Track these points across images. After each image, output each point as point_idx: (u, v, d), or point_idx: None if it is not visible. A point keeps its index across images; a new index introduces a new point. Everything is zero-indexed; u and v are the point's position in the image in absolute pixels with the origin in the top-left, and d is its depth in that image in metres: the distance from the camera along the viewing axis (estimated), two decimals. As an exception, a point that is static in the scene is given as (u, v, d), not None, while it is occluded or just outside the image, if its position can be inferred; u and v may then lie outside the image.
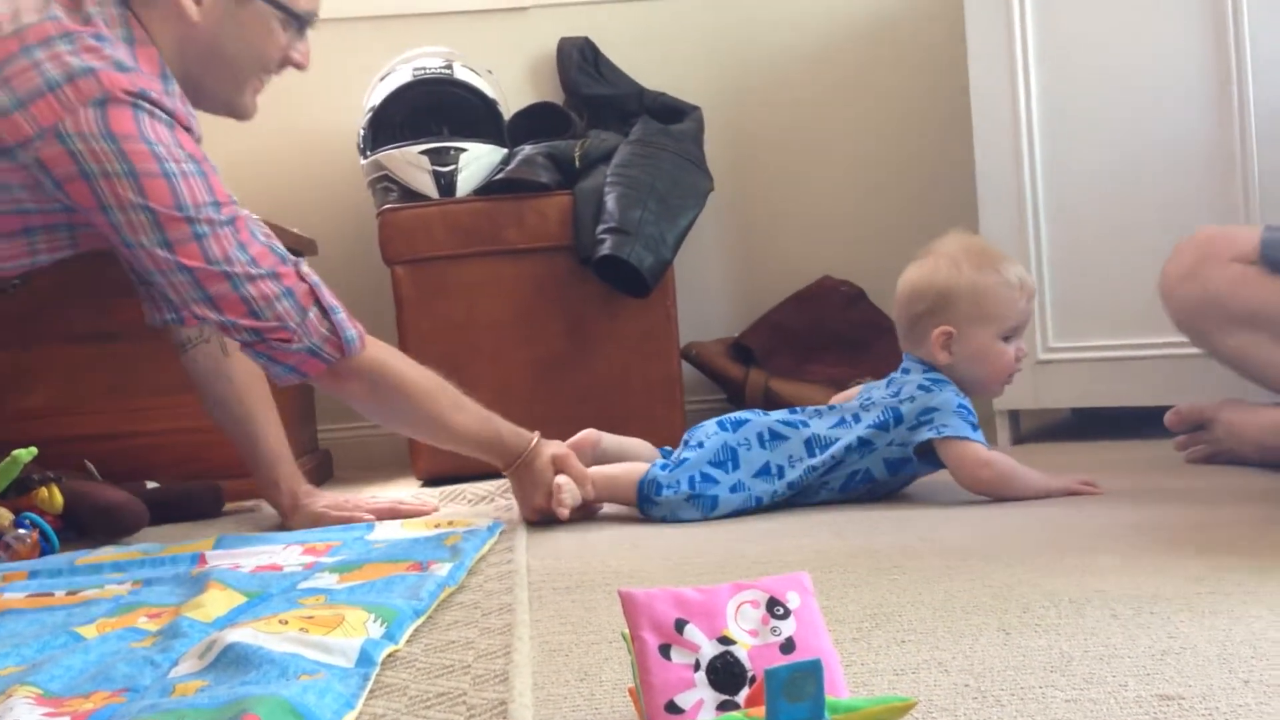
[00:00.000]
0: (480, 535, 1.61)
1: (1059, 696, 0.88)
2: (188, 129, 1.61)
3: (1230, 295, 1.80)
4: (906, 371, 1.80)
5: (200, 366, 1.91)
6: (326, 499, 1.94)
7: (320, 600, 1.25)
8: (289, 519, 1.90)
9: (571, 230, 2.35)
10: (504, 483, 2.10)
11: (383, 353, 1.69)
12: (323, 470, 2.55)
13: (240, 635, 1.05)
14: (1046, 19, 2.24)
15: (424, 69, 2.48)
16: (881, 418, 1.74)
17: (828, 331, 2.64)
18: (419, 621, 1.20)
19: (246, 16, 1.66)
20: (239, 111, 1.74)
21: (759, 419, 1.78)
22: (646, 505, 1.73)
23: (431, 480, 2.34)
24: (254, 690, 0.92)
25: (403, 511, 1.89)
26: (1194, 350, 2.13)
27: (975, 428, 1.72)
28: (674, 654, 0.77)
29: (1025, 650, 0.99)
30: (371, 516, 1.86)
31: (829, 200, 2.86)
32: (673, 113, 2.65)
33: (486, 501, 2.01)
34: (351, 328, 1.64)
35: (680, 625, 0.78)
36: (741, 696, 0.77)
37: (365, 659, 1.04)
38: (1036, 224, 2.27)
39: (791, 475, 1.74)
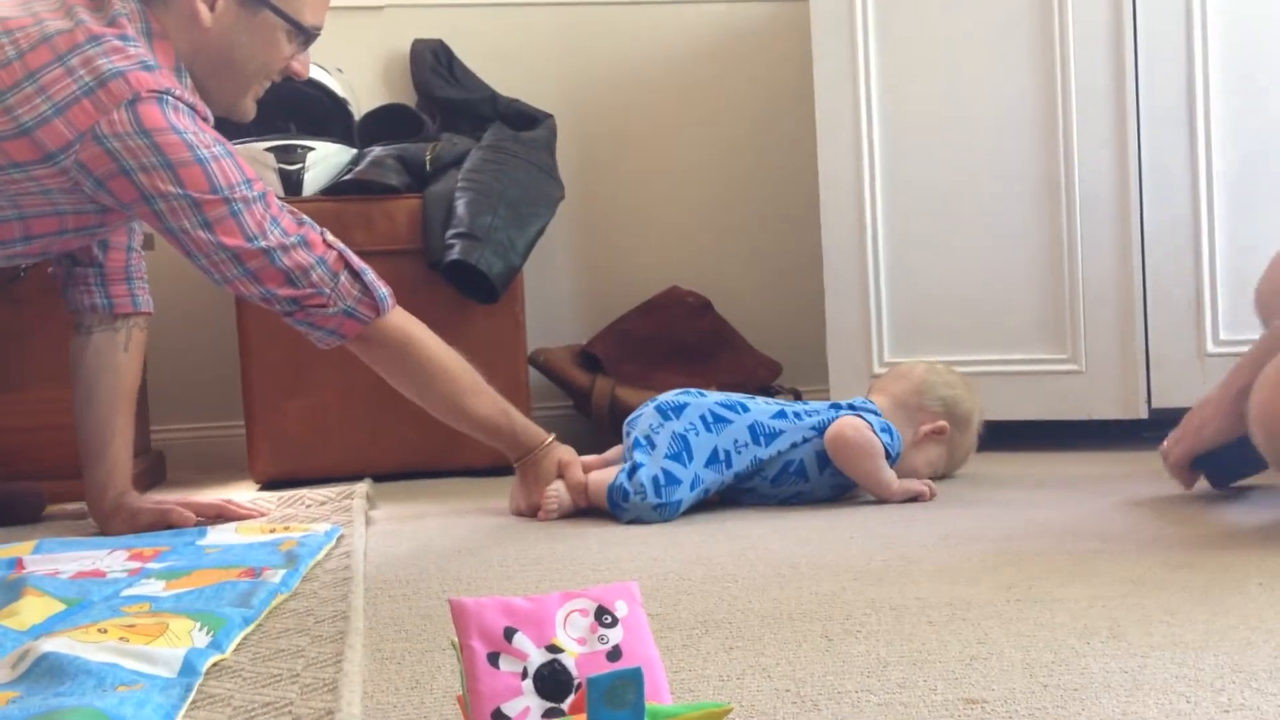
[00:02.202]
0: (318, 541, 1.58)
1: (873, 700, 0.91)
2: (205, 119, 1.70)
3: None
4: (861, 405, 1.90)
5: (90, 352, 1.88)
6: (150, 501, 1.88)
7: (144, 608, 1.22)
8: (106, 525, 1.83)
9: (420, 234, 2.33)
10: (343, 488, 2.08)
11: (415, 327, 1.77)
12: (155, 472, 2.47)
13: (56, 644, 1.02)
14: (888, 43, 2.32)
15: (272, 64, 2.42)
16: (825, 419, 1.83)
17: (674, 341, 2.68)
18: (248, 630, 1.18)
19: (256, 26, 1.74)
20: (239, 114, 1.82)
21: (698, 401, 1.83)
22: (616, 510, 1.75)
23: (269, 484, 2.29)
24: (68, 701, 0.89)
25: (230, 512, 1.85)
26: (1021, 367, 2.25)
27: (884, 433, 1.81)
28: (502, 662, 0.78)
29: (845, 656, 1.03)
30: (191, 517, 1.81)
31: (678, 211, 2.91)
32: (525, 120, 2.66)
33: (325, 506, 1.98)
34: (382, 287, 1.73)
35: (509, 634, 0.79)
36: (568, 704, 0.78)
37: (189, 669, 1.02)
38: (875, 241, 2.35)
39: (738, 465, 1.79)
